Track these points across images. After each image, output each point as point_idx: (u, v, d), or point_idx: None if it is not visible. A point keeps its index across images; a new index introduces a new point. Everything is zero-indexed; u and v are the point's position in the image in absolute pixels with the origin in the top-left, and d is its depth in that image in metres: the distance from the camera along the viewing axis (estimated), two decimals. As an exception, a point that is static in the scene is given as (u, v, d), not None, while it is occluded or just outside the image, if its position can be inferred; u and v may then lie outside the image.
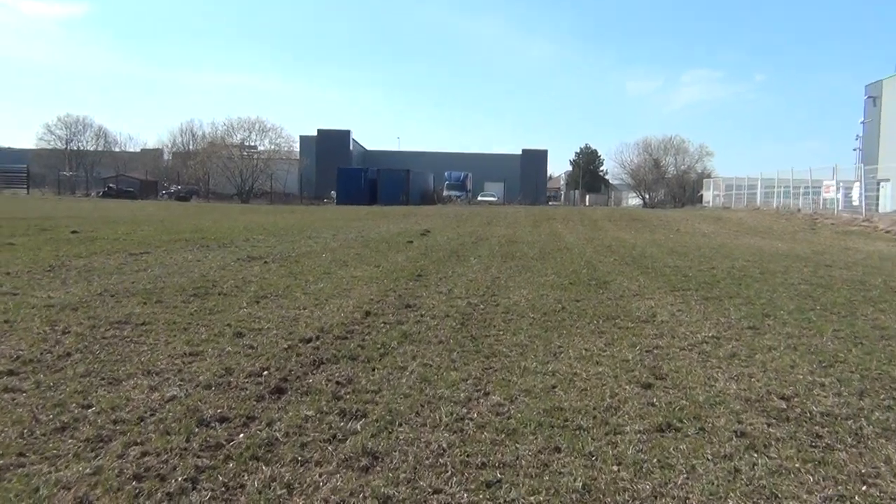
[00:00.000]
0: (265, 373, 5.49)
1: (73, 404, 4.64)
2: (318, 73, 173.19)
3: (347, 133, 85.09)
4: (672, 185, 71.86)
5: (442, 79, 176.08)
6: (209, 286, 9.85)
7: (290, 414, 4.56)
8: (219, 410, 4.56)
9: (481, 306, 8.95)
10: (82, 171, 79.38)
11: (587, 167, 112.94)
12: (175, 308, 8.13)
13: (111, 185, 67.93)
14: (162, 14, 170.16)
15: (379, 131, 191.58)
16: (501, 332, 7.37)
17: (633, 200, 79.31)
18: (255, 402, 4.78)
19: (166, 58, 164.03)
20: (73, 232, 18.00)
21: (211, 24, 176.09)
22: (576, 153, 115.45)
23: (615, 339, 7.22)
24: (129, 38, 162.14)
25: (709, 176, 72.83)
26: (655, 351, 6.70)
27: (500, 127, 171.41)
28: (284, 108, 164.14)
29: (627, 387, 5.42)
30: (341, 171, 64.70)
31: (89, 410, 4.54)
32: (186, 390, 4.98)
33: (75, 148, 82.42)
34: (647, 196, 73.37)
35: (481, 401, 5.00)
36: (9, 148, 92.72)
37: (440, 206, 56.96)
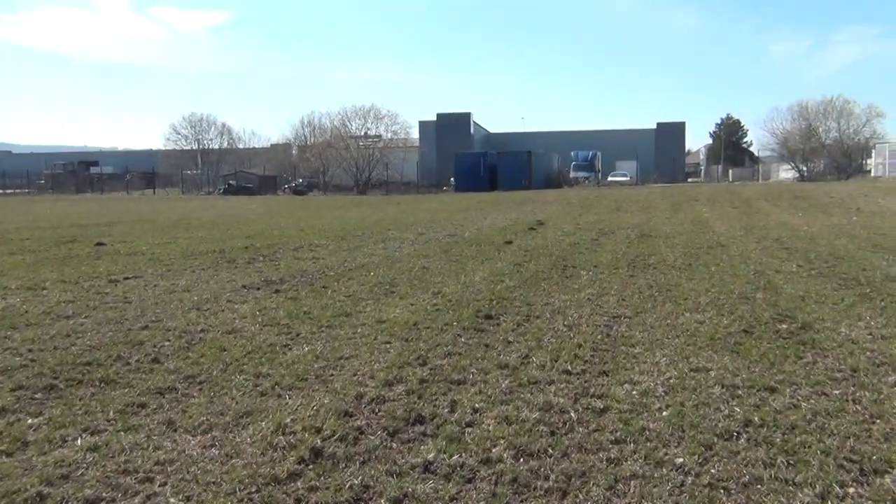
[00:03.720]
0: None
1: None
2: (443, 57, 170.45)
3: (468, 116, 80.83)
4: (834, 153, 62.68)
5: (570, 56, 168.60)
6: (124, 354, 5.82)
7: None
8: None
9: (571, 415, 4.39)
10: (207, 168, 79.62)
11: (729, 139, 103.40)
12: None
13: (231, 181, 67.16)
14: (292, 15, 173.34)
15: (503, 113, 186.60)
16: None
17: (786, 173, 70.17)
18: None
19: (293, 56, 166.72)
20: (98, 244, 14.79)
21: (335, 20, 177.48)
22: (716, 125, 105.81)
23: None
24: (261, 40, 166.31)
25: (878, 142, 63.19)
26: None
27: (632, 103, 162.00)
28: (408, 97, 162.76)
29: None
30: (459, 157, 60.52)
31: None
32: None
33: (199, 147, 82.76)
34: (805, 168, 64.53)
35: None
36: (139, 150, 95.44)
37: (566, 189, 51.74)
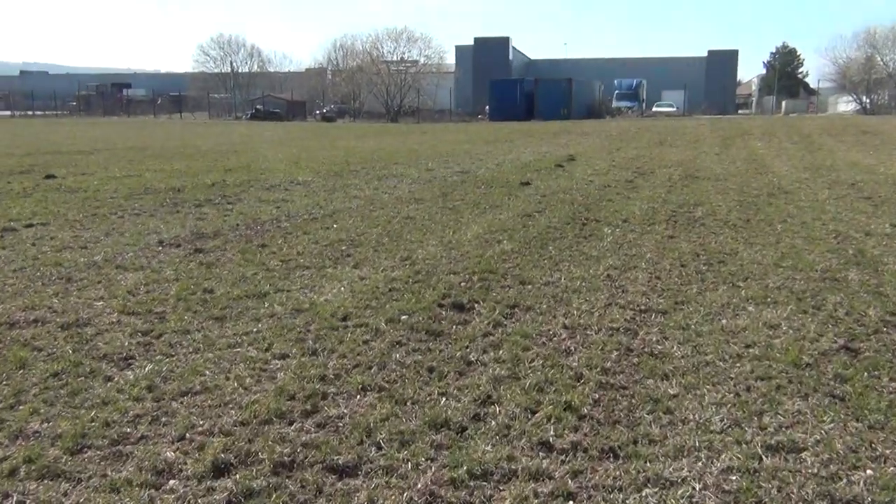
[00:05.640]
0: None
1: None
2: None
3: (506, 41, 76.67)
4: (901, 85, 57.67)
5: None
6: None
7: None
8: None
9: None
10: (237, 92, 77.06)
11: (784, 69, 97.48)
12: None
13: (258, 106, 64.83)
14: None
15: (545, 40, 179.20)
16: None
17: (846, 106, 65.24)
18: None
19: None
20: (48, 176, 12.73)
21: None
22: (771, 54, 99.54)
23: None
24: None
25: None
26: None
27: (682, 32, 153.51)
28: (448, 21, 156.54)
29: None
30: (494, 84, 57.14)
31: None
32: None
33: (231, 70, 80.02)
34: (867, 100, 59.65)
35: None
36: (175, 73, 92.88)
37: (607, 120, 48.39)
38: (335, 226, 8.26)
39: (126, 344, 4.26)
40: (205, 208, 9.57)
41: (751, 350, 4.17)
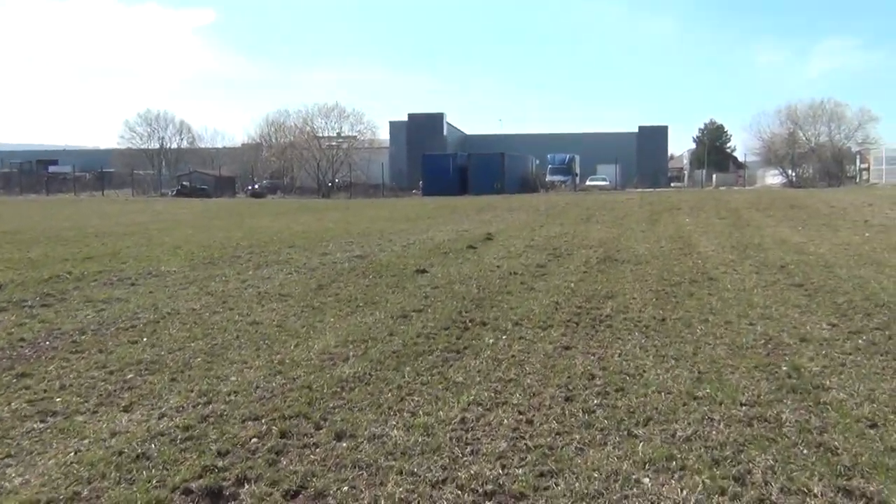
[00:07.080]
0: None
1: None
2: (421, 60, 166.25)
3: (441, 116, 76.62)
4: (825, 158, 58.88)
5: (551, 60, 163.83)
6: None
7: None
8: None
9: None
10: (166, 169, 74.79)
11: (713, 144, 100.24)
12: None
13: (185, 182, 62.77)
14: (275, 15, 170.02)
15: (481, 116, 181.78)
16: None
17: (773, 179, 66.39)
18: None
19: (272, 57, 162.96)
20: None
21: (320, 26, 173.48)
22: (700, 129, 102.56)
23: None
24: (244, 41, 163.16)
25: (870, 146, 59.62)
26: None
27: (615, 107, 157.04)
28: (386, 99, 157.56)
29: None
30: (426, 158, 56.32)
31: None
32: None
33: (160, 146, 77.90)
34: (793, 173, 60.71)
35: None
36: (96, 149, 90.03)
37: (539, 194, 47.77)
38: (146, 339, 6.49)
39: None
40: (5, 314, 7.69)
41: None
